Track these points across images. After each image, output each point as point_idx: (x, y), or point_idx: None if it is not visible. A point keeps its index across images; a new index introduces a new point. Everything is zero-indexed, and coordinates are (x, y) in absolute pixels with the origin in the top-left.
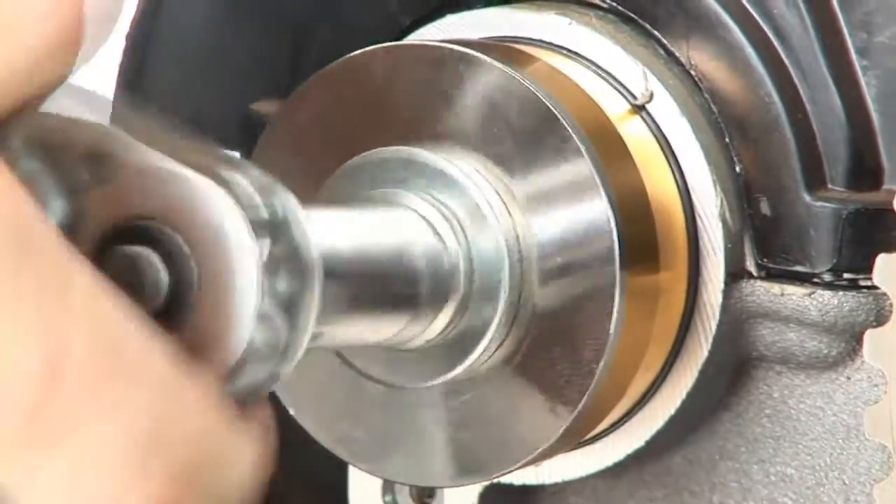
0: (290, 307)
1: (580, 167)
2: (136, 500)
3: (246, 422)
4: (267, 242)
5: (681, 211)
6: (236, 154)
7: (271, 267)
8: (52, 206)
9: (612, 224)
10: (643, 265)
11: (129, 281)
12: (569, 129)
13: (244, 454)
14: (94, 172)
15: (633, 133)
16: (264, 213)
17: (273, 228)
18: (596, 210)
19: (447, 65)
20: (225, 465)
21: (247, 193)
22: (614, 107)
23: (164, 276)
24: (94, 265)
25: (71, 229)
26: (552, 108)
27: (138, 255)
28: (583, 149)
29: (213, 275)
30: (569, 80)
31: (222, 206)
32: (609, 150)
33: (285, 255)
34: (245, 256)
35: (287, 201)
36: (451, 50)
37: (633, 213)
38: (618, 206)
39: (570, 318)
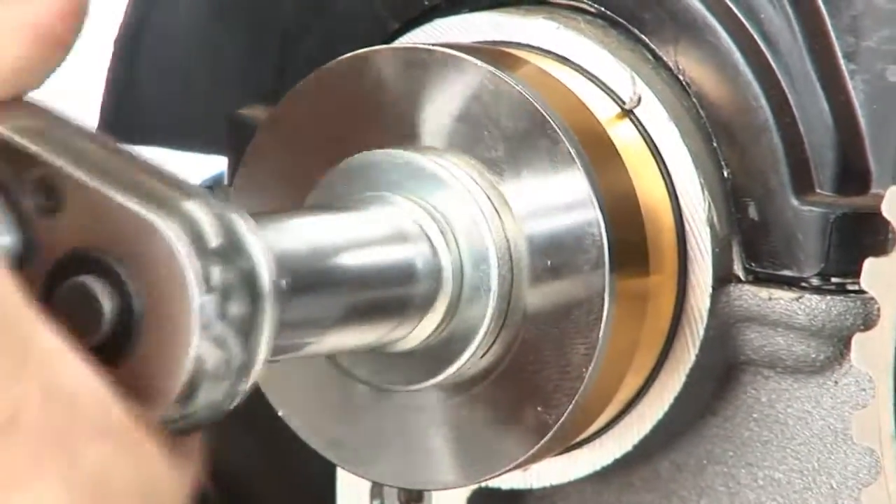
0: (243, 329)
1: (570, 171)
2: None
3: (182, 456)
4: (216, 269)
5: (670, 215)
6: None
7: (223, 292)
8: (2, 237)
9: (602, 228)
10: (633, 269)
11: (77, 311)
12: (559, 132)
13: (179, 489)
14: (44, 203)
15: (623, 137)
16: (213, 241)
17: (224, 255)
18: (586, 214)
19: (438, 68)
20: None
21: (195, 221)
22: (603, 111)
23: (109, 306)
24: (44, 296)
25: (21, 259)
26: (542, 112)
27: (86, 286)
28: (573, 152)
29: (158, 303)
30: (559, 84)
31: (166, 235)
32: (599, 153)
33: (237, 281)
34: (187, 284)
35: (239, 228)
36: (442, 53)
37: (623, 217)
38: (608, 209)
39: (559, 322)
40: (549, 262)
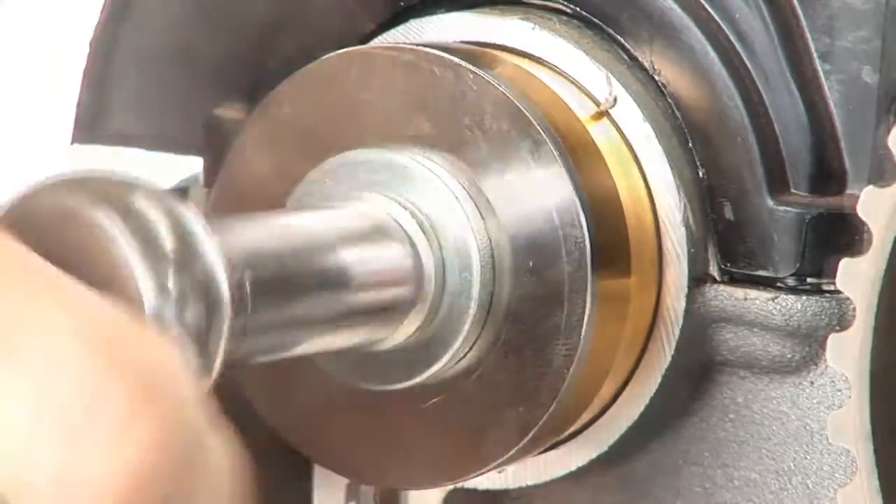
0: (199, 336)
1: (553, 171)
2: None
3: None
4: (172, 276)
5: (651, 215)
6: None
7: (179, 299)
8: None
9: (585, 229)
10: (615, 270)
11: None
12: (542, 133)
13: (219, 448)
14: None
15: (603, 136)
16: (168, 246)
17: (180, 261)
18: (568, 214)
19: (421, 68)
20: (204, 455)
21: (151, 227)
22: (580, 111)
23: None
24: None
25: None
26: (525, 112)
27: None
28: (555, 153)
29: None
30: (540, 83)
31: (115, 240)
32: (582, 153)
33: (193, 288)
34: (140, 291)
35: (195, 229)
36: (425, 53)
37: (606, 218)
38: (591, 210)
39: (541, 323)
40: (531, 262)
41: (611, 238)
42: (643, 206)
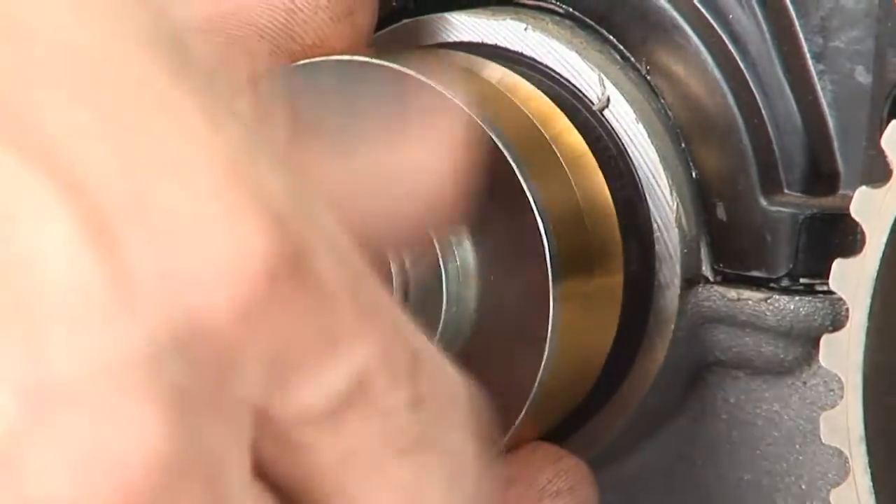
0: None
1: (514, 183)
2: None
3: None
4: None
5: (615, 216)
6: None
7: None
8: None
9: (545, 237)
10: (579, 274)
11: None
12: (502, 147)
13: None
14: None
15: (571, 145)
16: None
17: None
18: (528, 224)
19: (381, 83)
20: None
21: None
22: (557, 118)
23: None
24: None
25: None
26: (486, 129)
27: None
28: (515, 166)
29: None
30: (505, 98)
31: None
32: (543, 165)
33: None
34: None
35: None
36: (383, 68)
37: (567, 226)
38: (551, 219)
39: (508, 332)
40: (493, 276)
41: (573, 243)
42: (607, 211)
